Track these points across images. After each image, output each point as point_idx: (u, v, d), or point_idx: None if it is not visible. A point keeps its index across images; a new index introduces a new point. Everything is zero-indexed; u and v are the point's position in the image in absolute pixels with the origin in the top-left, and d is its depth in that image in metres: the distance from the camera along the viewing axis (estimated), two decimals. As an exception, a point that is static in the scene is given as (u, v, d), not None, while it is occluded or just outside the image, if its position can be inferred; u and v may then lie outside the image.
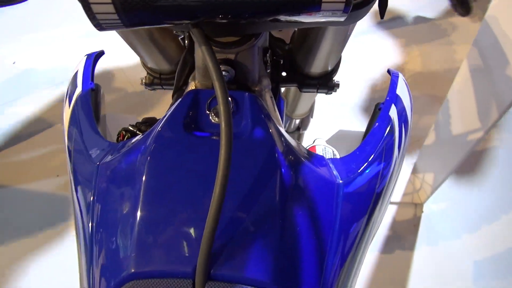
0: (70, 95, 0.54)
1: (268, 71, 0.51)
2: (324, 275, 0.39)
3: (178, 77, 0.46)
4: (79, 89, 0.53)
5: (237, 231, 0.36)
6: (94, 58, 0.58)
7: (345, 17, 0.31)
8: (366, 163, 0.45)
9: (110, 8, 0.29)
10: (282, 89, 0.85)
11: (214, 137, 0.38)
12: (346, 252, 0.41)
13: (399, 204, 1.45)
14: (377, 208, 0.46)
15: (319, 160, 0.44)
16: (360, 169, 0.44)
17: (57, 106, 1.71)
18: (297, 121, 0.97)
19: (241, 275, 0.35)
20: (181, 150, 0.37)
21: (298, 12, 0.30)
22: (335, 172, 0.43)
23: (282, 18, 0.32)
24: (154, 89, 0.61)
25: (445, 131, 1.31)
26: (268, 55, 0.49)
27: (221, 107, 0.32)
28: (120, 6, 0.29)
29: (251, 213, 0.36)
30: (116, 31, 0.49)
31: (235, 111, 0.39)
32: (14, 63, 1.90)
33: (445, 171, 1.30)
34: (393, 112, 0.51)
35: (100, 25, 0.31)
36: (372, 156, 0.46)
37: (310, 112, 0.92)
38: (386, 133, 0.48)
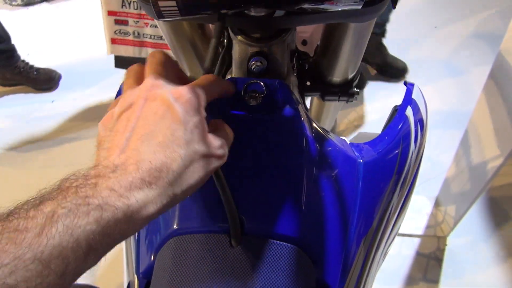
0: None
1: (295, 74, 0.58)
2: (347, 241, 0.43)
3: (218, 73, 0.53)
4: None
5: (269, 193, 0.41)
6: None
7: (362, 5, 0.37)
8: (384, 150, 0.50)
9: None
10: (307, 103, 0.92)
11: (250, 116, 0.44)
12: (367, 225, 0.45)
13: (422, 237, 1.45)
14: (396, 192, 0.50)
15: (342, 141, 0.49)
16: (379, 154, 0.49)
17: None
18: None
19: (273, 231, 0.40)
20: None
21: (322, 1, 0.37)
22: (356, 153, 0.48)
23: (307, 7, 0.38)
24: None
25: (466, 162, 1.34)
26: (294, 58, 0.56)
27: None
28: None
29: (281, 178, 0.41)
30: (165, 36, 0.57)
31: (267, 95, 0.45)
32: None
33: (467, 201, 1.31)
34: (409, 113, 0.56)
35: (160, 13, 0.38)
36: (390, 145, 0.51)
37: (333, 130, 0.98)
38: (402, 127, 0.53)
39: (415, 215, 1.50)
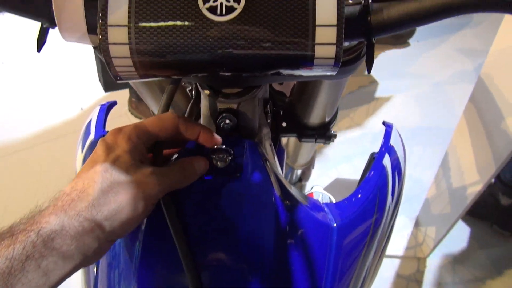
0: (83, 141, 0.58)
1: (269, 121, 0.55)
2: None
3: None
4: (91, 136, 0.57)
5: (233, 270, 0.38)
6: (107, 108, 0.63)
7: (336, 72, 0.35)
8: (360, 208, 0.47)
9: (129, 62, 0.34)
10: (284, 140, 0.90)
11: (217, 180, 0.41)
12: (341, 293, 0.43)
13: (402, 258, 1.44)
14: (371, 253, 0.48)
15: (315, 204, 0.46)
16: (354, 214, 0.46)
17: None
18: (299, 172, 1.00)
19: None
20: (184, 192, 0.40)
21: (294, 68, 0.35)
22: (329, 216, 0.45)
23: (281, 71, 0.36)
24: None
25: (446, 184, 1.33)
26: (269, 106, 0.53)
27: None
28: (138, 61, 0.33)
29: (247, 252, 0.39)
30: (130, 83, 0.54)
31: (235, 156, 0.42)
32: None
33: (447, 224, 1.30)
34: (386, 161, 0.54)
35: (118, 76, 0.35)
36: (366, 201, 0.48)
37: (311, 163, 0.96)
38: (379, 180, 0.51)
39: (395, 236, 1.48)
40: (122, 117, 1.88)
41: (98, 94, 1.89)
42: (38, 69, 2.12)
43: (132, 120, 1.86)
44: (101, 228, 0.31)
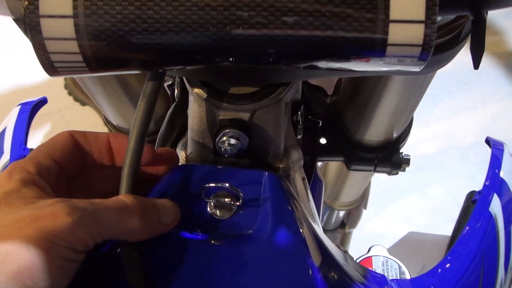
0: None
1: (300, 137, 0.53)
2: None
3: (161, 144, 0.48)
4: (6, 157, 0.56)
5: None
6: (31, 109, 0.60)
7: (422, 66, 0.32)
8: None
9: (73, 47, 0.31)
10: (320, 164, 0.87)
11: (214, 241, 0.39)
12: None
13: None
14: None
15: (378, 280, 0.45)
16: None
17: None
18: (342, 213, 0.98)
19: None
20: (164, 261, 0.39)
21: (350, 59, 0.32)
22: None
23: (324, 64, 0.33)
24: None
25: None
26: (300, 113, 0.51)
27: None
28: (88, 45, 0.31)
29: None
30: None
31: (248, 200, 0.41)
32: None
33: None
34: (495, 207, 0.53)
35: (54, 68, 0.33)
36: (463, 276, 0.47)
37: (362, 201, 0.94)
38: (484, 239, 0.50)
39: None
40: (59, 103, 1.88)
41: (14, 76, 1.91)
42: None
43: (74, 107, 1.87)
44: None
